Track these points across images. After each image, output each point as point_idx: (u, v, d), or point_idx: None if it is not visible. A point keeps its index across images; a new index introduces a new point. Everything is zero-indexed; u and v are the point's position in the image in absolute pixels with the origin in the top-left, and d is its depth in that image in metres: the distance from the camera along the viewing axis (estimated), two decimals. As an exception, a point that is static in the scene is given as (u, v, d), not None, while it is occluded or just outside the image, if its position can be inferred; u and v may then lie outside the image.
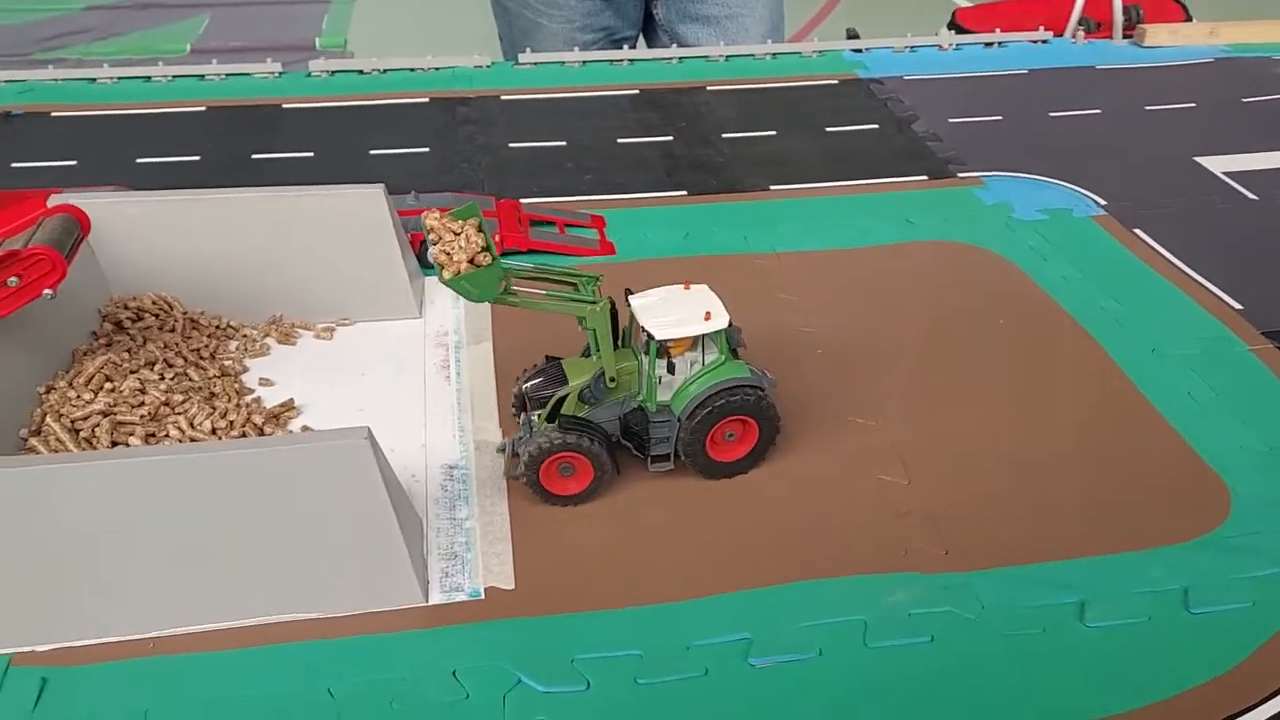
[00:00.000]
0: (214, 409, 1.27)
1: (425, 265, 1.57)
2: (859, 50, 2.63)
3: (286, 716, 0.97)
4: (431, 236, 1.11)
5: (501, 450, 1.27)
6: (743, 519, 1.20)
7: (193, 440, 1.23)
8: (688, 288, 1.21)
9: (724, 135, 2.18)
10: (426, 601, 1.08)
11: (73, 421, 1.21)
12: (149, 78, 2.38)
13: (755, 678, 1.02)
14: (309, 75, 2.41)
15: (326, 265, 1.48)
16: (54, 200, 1.37)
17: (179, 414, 1.25)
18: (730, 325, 1.18)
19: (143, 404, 1.25)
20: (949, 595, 1.10)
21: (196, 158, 2.05)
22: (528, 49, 2.53)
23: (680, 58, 2.54)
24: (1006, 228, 1.82)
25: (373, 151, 2.08)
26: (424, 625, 1.06)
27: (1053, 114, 2.30)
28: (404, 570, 1.07)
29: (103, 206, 1.40)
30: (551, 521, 1.19)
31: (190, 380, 1.33)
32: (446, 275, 1.08)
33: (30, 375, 1.26)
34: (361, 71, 2.43)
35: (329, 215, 1.47)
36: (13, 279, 1.20)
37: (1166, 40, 2.68)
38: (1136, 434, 1.34)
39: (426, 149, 2.09)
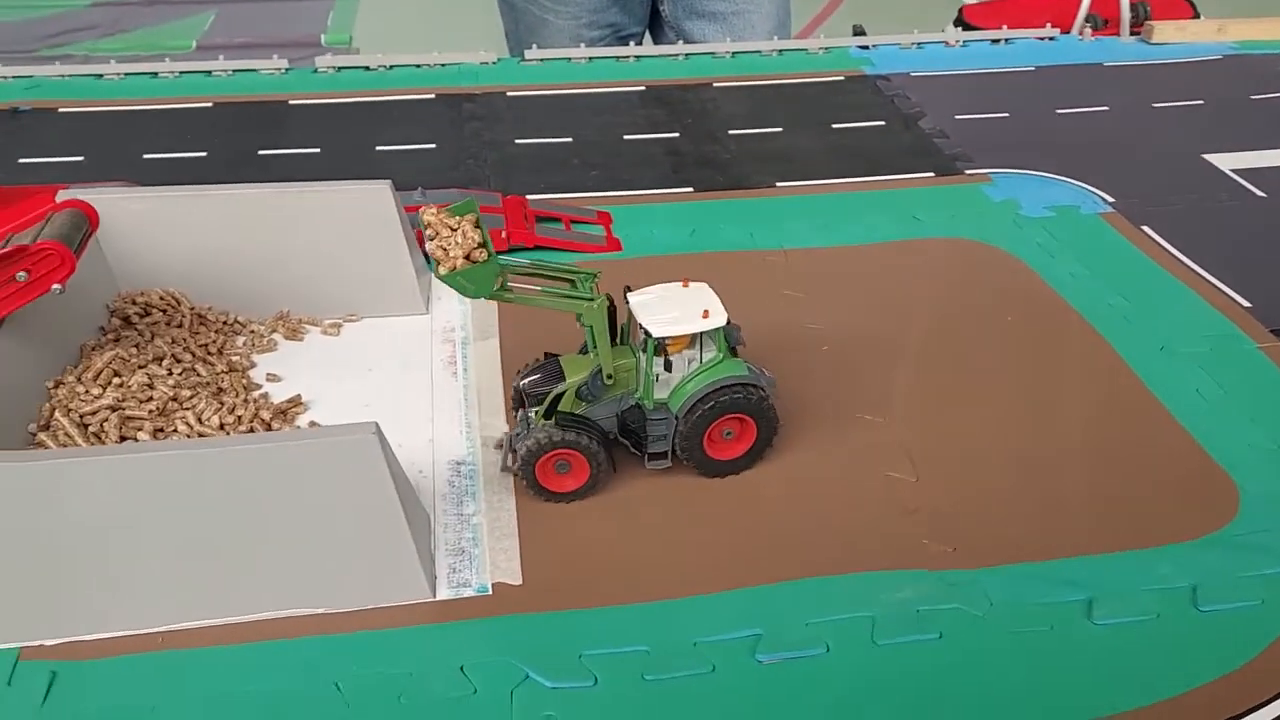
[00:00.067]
0: (222, 404, 1.28)
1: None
2: (866, 47, 2.62)
3: (294, 711, 0.98)
4: (429, 232, 1.11)
5: (499, 446, 1.27)
6: (750, 516, 1.20)
7: (201, 435, 1.23)
8: (686, 285, 1.21)
9: (730, 132, 2.17)
10: (434, 597, 1.08)
11: (81, 416, 1.21)
12: (156, 74, 2.38)
13: (763, 674, 1.02)
14: (315, 71, 2.42)
15: (333, 261, 1.49)
16: (62, 195, 1.38)
17: (187, 409, 1.25)
18: (729, 323, 1.18)
19: (151, 399, 1.25)
20: (957, 592, 1.10)
21: (203, 154, 2.05)
22: (534, 45, 2.53)
23: (687, 54, 2.54)
24: (1014, 224, 1.82)
25: (379, 147, 2.08)
26: (431, 620, 1.06)
27: (1060, 111, 2.29)
28: (412, 566, 1.07)
29: (110, 202, 1.40)
30: (559, 517, 1.19)
31: (198, 375, 1.33)
32: (442, 271, 1.08)
33: (39, 370, 1.26)
34: (368, 68, 2.43)
35: (336, 211, 1.47)
36: (21, 274, 1.20)
37: (1174, 37, 2.67)
38: (1145, 431, 1.34)
39: (433, 145, 2.09)
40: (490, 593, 1.09)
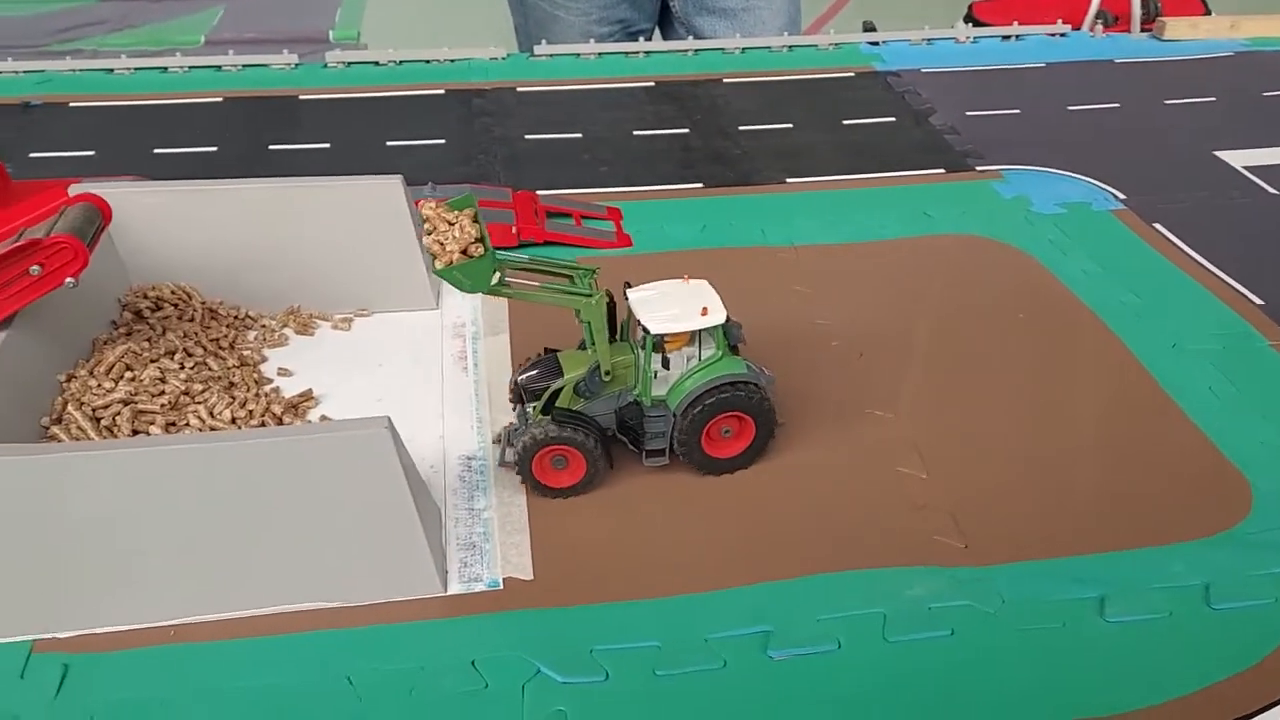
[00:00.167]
0: (233, 398, 1.28)
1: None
2: (876, 43, 2.62)
3: (305, 705, 0.98)
4: (426, 226, 1.10)
5: (497, 440, 1.27)
6: (759, 512, 1.20)
7: (213, 429, 1.23)
8: (687, 282, 1.20)
9: (740, 128, 2.17)
10: (445, 591, 1.08)
11: (94, 410, 1.21)
12: (166, 69, 2.39)
13: (774, 670, 1.01)
14: (325, 66, 2.42)
15: (344, 256, 1.49)
16: (75, 189, 1.38)
17: (199, 403, 1.26)
18: (729, 321, 1.18)
19: (163, 393, 1.25)
20: (968, 589, 1.09)
21: (214, 149, 2.05)
22: (544, 41, 2.53)
23: (696, 50, 2.54)
24: (1025, 221, 1.81)
25: (389, 143, 2.08)
26: (443, 615, 1.06)
27: (1071, 107, 2.29)
28: (423, 560, 1.07)
29: (121, 196, 1.40)
30: (570, 513, 1.19)
31: (210, 370, 1.33)
32: (438, 265, 1.08)
33: (51, 364, 1.26)
34: (378, 63, 2.43)
35: (347, 206, 1.47)
36: (35, 267, 1.21)
37: (1186, 34, 2.66)
38: (1157, 429, 1.34)
39: (443, 140, 2.09)
40: (501, 587, 1.09)
